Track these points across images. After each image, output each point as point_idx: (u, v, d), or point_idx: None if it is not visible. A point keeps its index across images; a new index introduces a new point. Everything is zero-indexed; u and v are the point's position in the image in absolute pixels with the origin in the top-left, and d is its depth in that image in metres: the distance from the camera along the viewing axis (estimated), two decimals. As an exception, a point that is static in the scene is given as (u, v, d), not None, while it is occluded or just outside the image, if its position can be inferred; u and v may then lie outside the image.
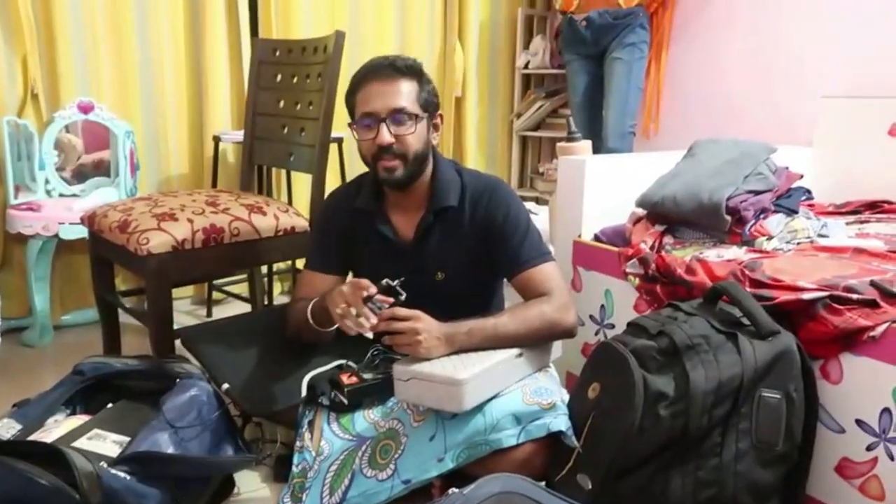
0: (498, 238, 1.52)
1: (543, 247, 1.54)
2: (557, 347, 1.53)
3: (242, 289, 2.69)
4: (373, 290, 1.34)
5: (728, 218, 1.56)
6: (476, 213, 1.54)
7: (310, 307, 1.51)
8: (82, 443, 1.25)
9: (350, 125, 1.52)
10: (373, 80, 1.46)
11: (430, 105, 1.51)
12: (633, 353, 1.21)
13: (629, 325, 1.36)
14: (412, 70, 1.48)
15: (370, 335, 1.44)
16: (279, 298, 2.82)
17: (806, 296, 1.24)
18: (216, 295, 2.67)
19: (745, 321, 1.22)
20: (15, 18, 2.23)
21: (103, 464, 1.14)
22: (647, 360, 1.20)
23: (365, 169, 1.58)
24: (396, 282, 1.38)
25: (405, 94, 1.46)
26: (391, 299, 1.36)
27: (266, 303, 2.49)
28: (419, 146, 1.49)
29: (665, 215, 1.68)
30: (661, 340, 1.22)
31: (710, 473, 1.12)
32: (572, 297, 1.52)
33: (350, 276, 1.63)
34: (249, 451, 1.46)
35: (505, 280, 1.61)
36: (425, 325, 1.36)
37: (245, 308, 2.53)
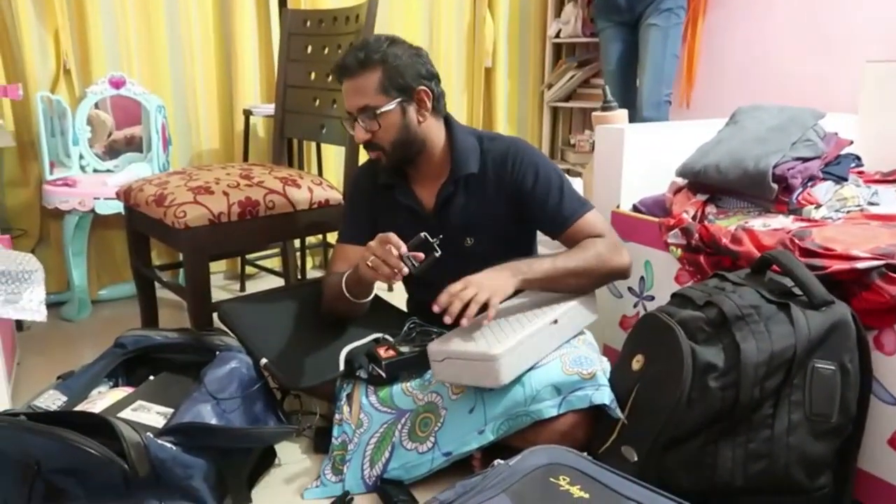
0: (533, 201, 1.52)
1: (581, 197, 1.54)
2: (593, 312, 1.51)
3: (274, 263, 2.70)
4: (403, 248, 1.34)
5: (775, 186, 1.51)
6: (502, 177, 1.53)
7: (344, 278, 1.51)
8: (127, 414, 1.27)
9: None
10: (341, 77, 1.48)
11: (401, 87, 1.46)
12: (679, 323, 1.18)
13: (674, 295, 1.33)
14: (370, 60, 1.44)
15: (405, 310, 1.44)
16: (311, 273, 2.82)
17: (860, 265, 1.20)
18: (249, 269, 2.68)
19: (797, 291, 1.18)
20: (46, -7, 2.23)
21: (149, 434, 1.15)
22: (695, 331, 1.17)
23: None
24: (435, 240, 1.40)
25: (367, 88, 1.45)
26: (421, 255, 1.35)
27: (299, 277, 2.49)
28: (394, 135, 1.48)
29: (708, 184, 1.64)
30: (708, 311, 1.19)
31: (761, 446, 1.10)
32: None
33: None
34: (289, 423, 1.46)
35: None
36: (480, 278, 1.35)
37: (278, 282, 2.54)
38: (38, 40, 2.25)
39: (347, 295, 1.50)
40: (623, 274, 1.49)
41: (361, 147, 1.56)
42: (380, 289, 1.63)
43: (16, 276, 1.33)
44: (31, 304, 1.30)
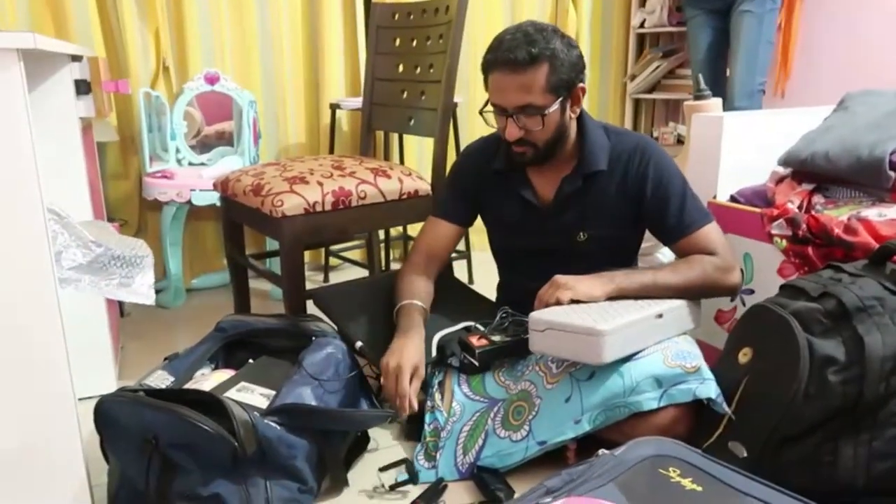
0: (655, 203, 1.48)
1: (704, 208, 1.49)
2: (696, 318, 1.46)
3: (357, 255, 2.75)
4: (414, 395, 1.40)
5: (892, 174, 1.42)
6: (627, 174, 1.49)
7: (397, 306, 1.56)
8: (233, 394, 1.30)
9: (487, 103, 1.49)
10: (500, 70, 1.39)
11: (566, 84, 1.41)
12: (793, 315, 1.13)
13: (783, 287, 1.27)
14: (542, 55, 1.36)
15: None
16: (394, 264, 2.85)
17: None
18: (332, 261, 2.74)
19: (924, 282, 1.11)
20: (148, -5, 2.33)
21: (256, 414, 1.18)
22: (812, 323, 1.12)
23: None
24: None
25: (534, 86, 1.38)
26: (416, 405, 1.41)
27: (382, 268, 2.52)
28: (550, 134, 1.44)
29: (814, 173, 1.56)
30: (826, 302, 1.13)
31: (887, 445, 1.04)
32: (737, 258, 1.48)
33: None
34: (386, 407, 1.47)
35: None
36: (573, 282, 1.35)
37: (361, 273, 2.58)
38: (140, 39, 2.35)
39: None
40: (730, 293, 1.45)
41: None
42: (464, 280, 1.62)
43: (129, 261, 1.39)
44: (142, 289, 1.36)
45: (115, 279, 1.40)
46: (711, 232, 1.46)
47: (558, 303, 1.35)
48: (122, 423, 1.17)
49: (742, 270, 1.49)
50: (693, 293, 1.40)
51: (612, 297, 1.38)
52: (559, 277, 1.37)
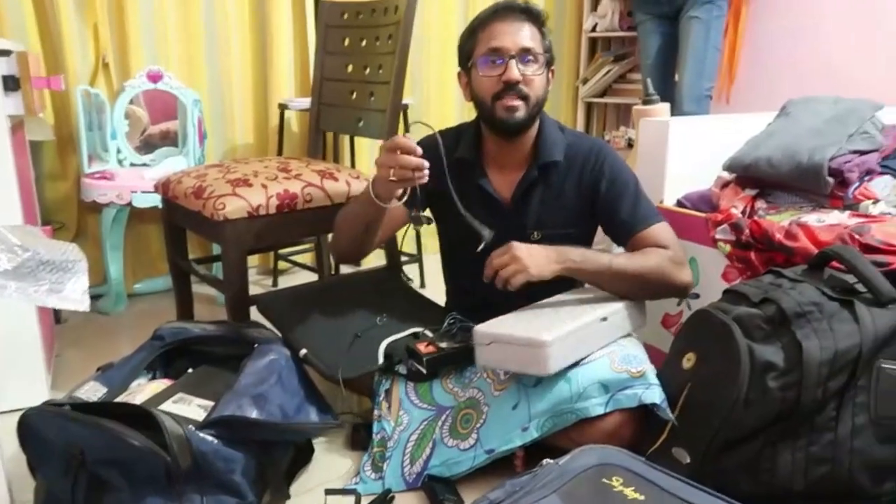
0: (608, 201, 1.49)
1: (655, 208, 1.51)
2: (642, 318, 1.47)
3: (307, 258, 2.70)
4: (418, 150, 1.33)
5: (830, 180, 1.45)
6: (582, 173, 1.51)
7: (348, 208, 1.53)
8: (168, 406, 1.25)
9: (463, 69, 1.52)
10: (502, 18, 1.45)
11: (549, 54, 1.48)
12: (735, 320, 1.14)
13: (726, 292, 1.28)
14: (539, 17, 1.47)
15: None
16: (345, 268, 2.81)
17: (927, 261, 1.14)
18: (281, 264, 2.68)
19: (860, 288, 1.13)
20: (86, -14, 2.24)
21: (191, 427, 1.13)
22: (752, 329, 1.12)
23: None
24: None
25: (535, 36, 1.45)
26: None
27: (332, 272, 2.48)
28: (541, 91, 1.48)
29: (758, 178, 1.58)
30: (766, 308, 1.14)
31: (823, 449, 1.05)
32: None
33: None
34: (332, 416, 1.44)
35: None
36: (524, 253, 1.33)
37: (310, 277, 2.54)
38: (78, 34, 2.26)
39: (375, 199, 1.42)
40: (681, 292, 1.45)
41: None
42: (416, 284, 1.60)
43: (60, 266, 1.32)
44: (75, 294, 1.29)
45: (44, 285, 1.33)
46: (664, 230, 1.48)
47: (509, 286, 1.33)
48: (47, 439, 1.12)
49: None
50: (646, 284, 1.40)
51: (562, 277, 1.37)
52: (516, 248, 1.34)
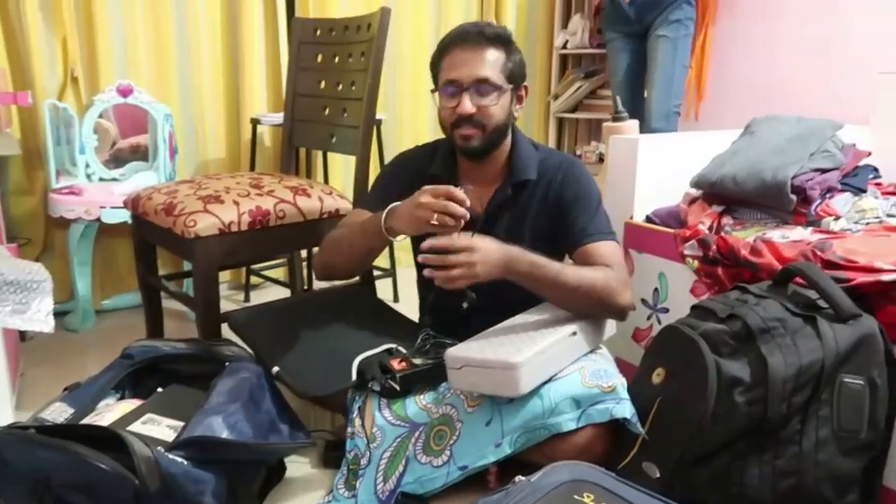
0: (566, 213, 1.50)
1: (610, 227, 1.51)
2: (612, 326, 1.49)
3: (279, 273, 2.68)
4: (467, 201, 1.31)
5: (793, 197, 1.49)
6: (550, 189, 1.52)
7: (361, 223, 1.49)
8: (137, 427, 1.24)
9: (433, 91, 1.51)
10: (460, 46, 1.44)
11: (516, 76, 1.48)
12: (702, 336, 1.16)
13: (694, 308, 1.31)
14: (500, 39, 1.45)
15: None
16: (318, 284, 2.80)
17: (885, 277, 1.18)
18: (254, 280, 2.66)
19: (822, 304, 1.16)
20: (55, 0, 2.21)
21: (160, 448, 1.12)
22: (719, 345, 1.15)
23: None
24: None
25: (491, 63, 1.43)
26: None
27: (304, 288, 2.46)
28: (500, 118, 1.47)
29: (724, 195, 1.62)
30: (732, 324, 1.17)
31: (789, 462, 1.07)
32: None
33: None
34: (304, 434, 1.43)
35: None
36: (482, 255, 1.31)
37: (283, 293, 2.52)
38: (46, 47, 2.22)
39: (384, 231, 1.42)
40: (620, 314, 1.43)
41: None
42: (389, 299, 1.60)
43: (24, 286, 1.30)
44: (39, 315, 1.28)
45: (7, 306, 1.31)
46: (612, 248, 1.46)
47: (453, 286, 1.32)
48: (11, 462, 1.09)
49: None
50: (588, 299, 1.38)
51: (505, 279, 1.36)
52: (477, 244, 1.32)
